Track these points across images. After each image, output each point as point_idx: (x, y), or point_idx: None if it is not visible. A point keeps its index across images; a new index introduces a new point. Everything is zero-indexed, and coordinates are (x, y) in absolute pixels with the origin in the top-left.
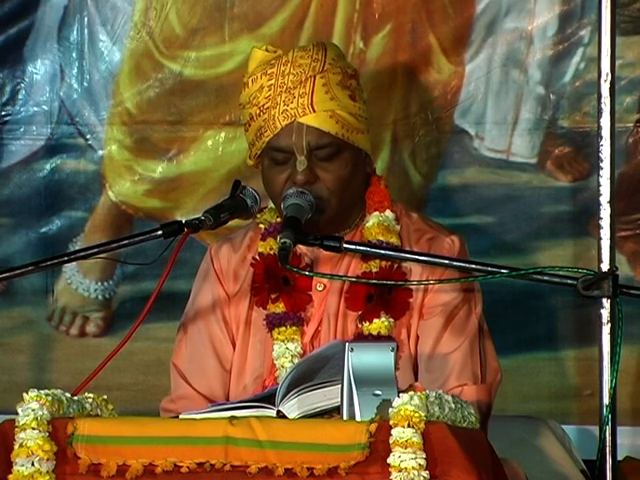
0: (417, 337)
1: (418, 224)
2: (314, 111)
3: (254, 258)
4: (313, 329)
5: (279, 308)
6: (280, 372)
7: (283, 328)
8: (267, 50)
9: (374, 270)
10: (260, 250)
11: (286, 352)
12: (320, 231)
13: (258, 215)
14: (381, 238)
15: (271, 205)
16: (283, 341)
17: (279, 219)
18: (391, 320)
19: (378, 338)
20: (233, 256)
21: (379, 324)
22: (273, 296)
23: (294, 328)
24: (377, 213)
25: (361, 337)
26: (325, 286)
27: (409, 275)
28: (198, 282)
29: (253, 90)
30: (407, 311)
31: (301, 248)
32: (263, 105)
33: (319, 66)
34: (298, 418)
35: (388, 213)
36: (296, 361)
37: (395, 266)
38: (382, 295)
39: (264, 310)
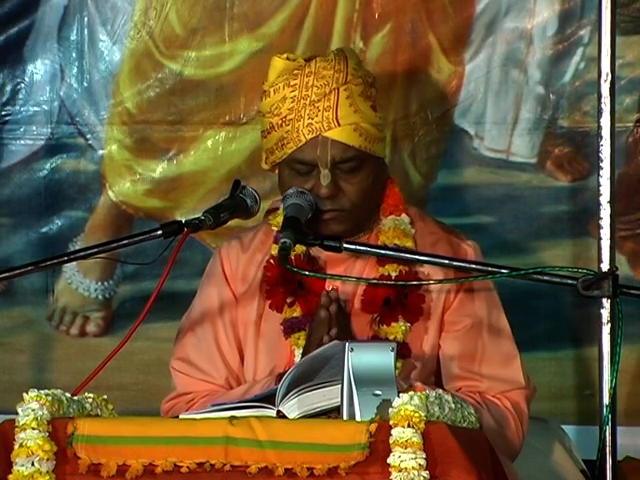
0: (438, 345)
1: (432, 227)
2: (339, 125)
3: (268, 261)
4: None
5: (296, 312)
6: None
7: (302, 333)
8: (288, 59)
9: (393, 274)
10: (274, 253)
11: None
12: (339, 235)
13: (270, 217)
14: (397, 242)
15: (282, 208)
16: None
17: None
18: (408, 325)
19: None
20: (242, 256)
21: (397, 328)
22: (289, 300)
23: None
24: (393, 217)
25: (377, 340)
26: (338, 288)
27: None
28: (205, 283)
29: (275, 100)
30: (420, 316)
31: (314, 250)
32: (286, 116)
33: (342, 77)
34: (298, 418)
35: (404, 217)
36: None
37: (414, 271)
38: (399, 299)
39: (279, 314)
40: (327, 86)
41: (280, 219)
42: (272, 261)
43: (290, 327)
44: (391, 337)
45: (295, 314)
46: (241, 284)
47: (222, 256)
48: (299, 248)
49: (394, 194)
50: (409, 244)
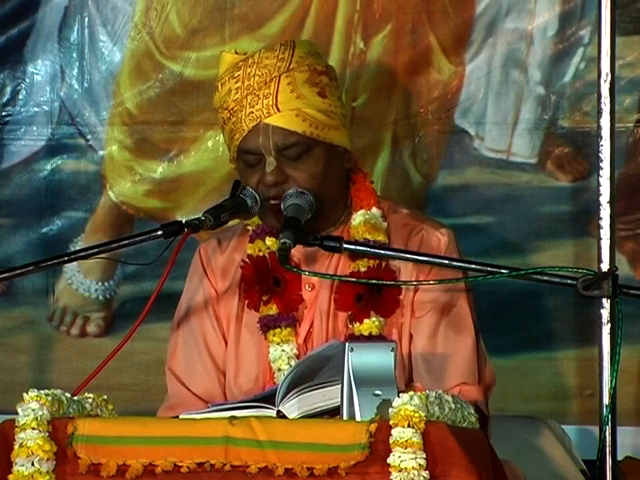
0: (410, 335)
1: (406, 219)
2: (279, 111)
3: (243, 260)
4: (306, 330)
5: (272, 310)
6: (278, 375)
7: (278, 330)
8: (236, 53)
9: (362, 269)
10: (249, 252)
11: (282, 354)
12: (305, 229)
13: None
14: (368, 236)
15: None
16: (279, 343)
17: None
18: (381, 319)
19: (369, 338)
20: (220, 257)
21: (370, 324)
22: (265, 298)
23: (289, 329)
24: (363, 211)
25: (352, 338)
26: (314, 286)
27: (398, 273)
28: (189, 281)
29: (222, 94)
30: (397, 309)
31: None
32: (232, 109)
33: (284, 65)
34: (298, 418)
35: (374, 210)
36: (292, 363)
37: (384, 264)
38: (371, 294)
39: (256, 312)
40: (268, 75)
41: (255, 218)
42: (247, 260)
43: (266, 325)
44: (365, 333)
45: (271, 312)
46: (222, 281)
47: (202, 255)
48: (267, 247)
49: (365, 188)
50: (380, 238)
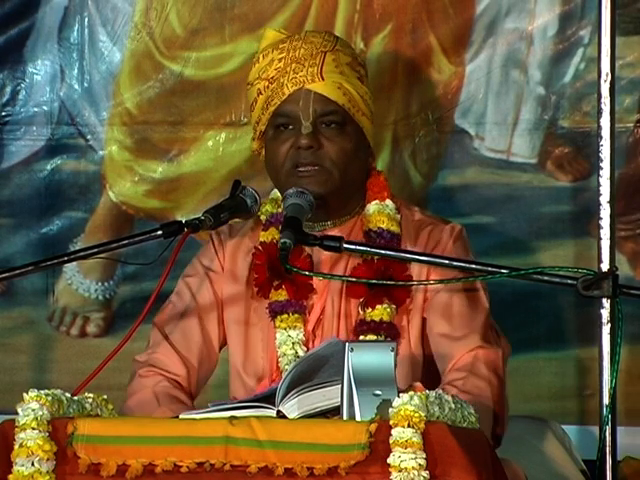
0: (420, 325)
1: (418, 216)
2: (323, 79)
3: (256, 247)
4: (315, 317)
5: (282, 296)
6: (282, 360)
7: (285, 315)
8: (280, 32)
9: (375, 257)
10: (262, 239)
11: (288, 339)
12: (325, 210)
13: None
14: (382, 226)
15: (271, 196)
16: (285, 329)
17: (280, 209)
18: (393, 306)
19: (380, 324)
20: (230, 240)
21: (381, 310)
22: (275, 284)
23: (296, 316)
24: (377, 201)
25: (363, 323)
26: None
27: (409, 264)
28: (196, 257)
29: (263, 65)
30: (408, 297)
31: None
32: (272, 77)
33: (330, 45)
34: (298, 418)
35: (388, 202)
36: (297, 348)
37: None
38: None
39: (266, 299)
40: (315, 49)
41: (268, 207)
42: (260, 247)
43: (274, 310)
44: (376, 319)
45: (280, 297)
46: (230, 263)
47: (212, 234)
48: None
49: (380, 183)
50: (393, 228)
